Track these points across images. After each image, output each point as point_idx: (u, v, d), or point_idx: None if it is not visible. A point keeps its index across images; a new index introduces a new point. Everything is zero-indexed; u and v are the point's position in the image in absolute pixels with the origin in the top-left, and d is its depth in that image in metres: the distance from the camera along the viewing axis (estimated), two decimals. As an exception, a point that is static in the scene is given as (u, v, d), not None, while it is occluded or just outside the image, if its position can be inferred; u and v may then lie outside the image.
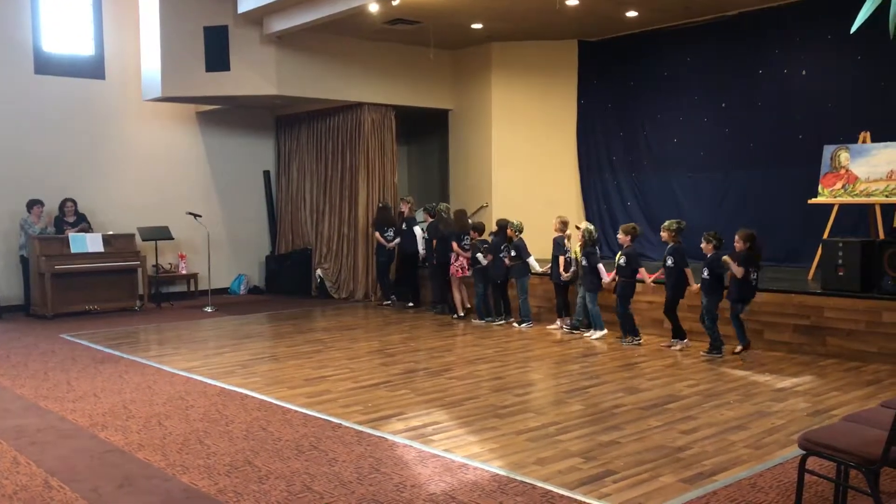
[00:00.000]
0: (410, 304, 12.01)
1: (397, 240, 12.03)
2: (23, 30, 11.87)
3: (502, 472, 4.67)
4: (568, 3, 10.30)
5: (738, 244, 8.04)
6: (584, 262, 9.25)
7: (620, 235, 9.01)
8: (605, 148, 12.88)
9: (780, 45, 10.71)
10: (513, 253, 10.03)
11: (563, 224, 9.79)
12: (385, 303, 12.40)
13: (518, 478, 4.58)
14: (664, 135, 12.13)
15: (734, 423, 5.67)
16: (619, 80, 12.60)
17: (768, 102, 10.86)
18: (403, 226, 12.03)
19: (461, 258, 10.77)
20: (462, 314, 10.90)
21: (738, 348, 8.10)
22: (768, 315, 8.41)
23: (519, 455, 5.00)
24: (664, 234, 8.60)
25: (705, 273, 8.24)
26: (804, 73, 10.52)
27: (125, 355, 8.47)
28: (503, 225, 10.34)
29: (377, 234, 12.19)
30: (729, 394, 6.55)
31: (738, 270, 7.92)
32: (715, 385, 6.86)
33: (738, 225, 11.09)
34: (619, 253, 8.92)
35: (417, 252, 11.85)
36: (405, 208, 12.14)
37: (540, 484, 4.47)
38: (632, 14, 11.16)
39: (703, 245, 8.36)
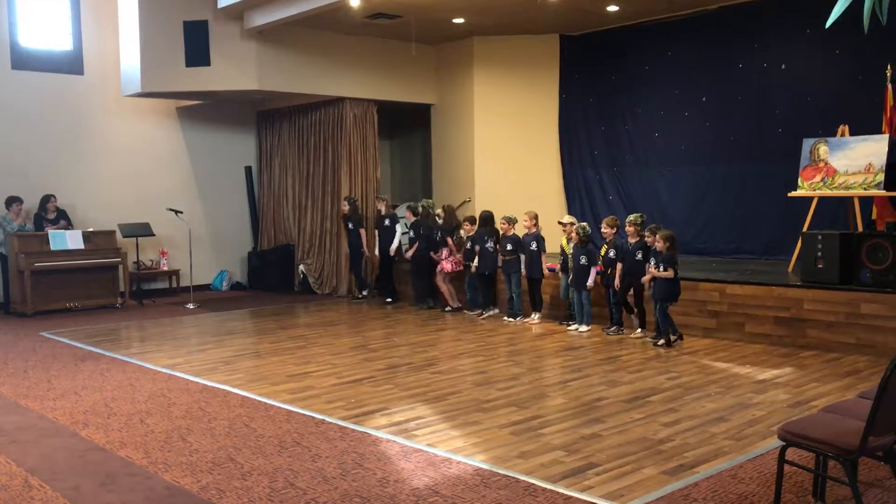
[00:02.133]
0: (388, 300, 11.97)
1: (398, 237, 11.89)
2: (-1, 25, 11.74)
3: (485, 466, 4.69)
4: (549, -3, 10.32)
5: (660, 244, 8.17)
6: (583, 261, 9.20)
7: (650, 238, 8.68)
8: (587, 142, 12.92)
9: (760, 40, 10.78)
10: (508, 247, 10.03)
11: (535, 219, 9.88)
12: (360, 296, 12.41)
13: (501, 471, 4.59)
14: (645, 129, 12.18)
15: (715, 415, 5.71)
16: (600, 74, 12.64)
17: (748, 96, 10.93)
18: (387, 222, 11.98)
19: (453, 254, 10.89)
20: (456, 305, 10.98)
21: (673, 338, 8.36)
22: (749, 307, 8.48)
23: (502, 449, 5.01)
24: (630, 229, 8.77)
25: (660, 267, 8.28)
26: (783, 66, 10.59)
27: (106, 353, 8.41)
28: (487, 217, 10.40)
29: (362, 229, 12.20)
30: (710, 386, 6.60)
31: (666, 274, 8.15)
32: (696, 377, 6.91)
33: (719, 218, 11.30)
34: (633, 249, 8.83)
35: (395, 248, 11.88)
36: (382, 206, 12.15)
37: (523, 477, 4.49)
38: (613, 8, 11.18)
39: (647, 237, 8.48)
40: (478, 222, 10.56)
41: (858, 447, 3.50)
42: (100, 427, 5.65)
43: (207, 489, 4.40)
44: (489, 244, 10.24)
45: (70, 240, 11.46)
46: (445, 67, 13.56)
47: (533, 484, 4.39)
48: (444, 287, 11.05)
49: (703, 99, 11.45)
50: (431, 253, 11.09)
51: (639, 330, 8.85)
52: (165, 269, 13.16)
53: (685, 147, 11.72)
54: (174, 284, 13.28)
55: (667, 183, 11.96)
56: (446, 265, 10.93)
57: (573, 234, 9.29)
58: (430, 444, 5.14)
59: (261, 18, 11.09)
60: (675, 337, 8.39)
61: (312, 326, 10.10)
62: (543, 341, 8.81)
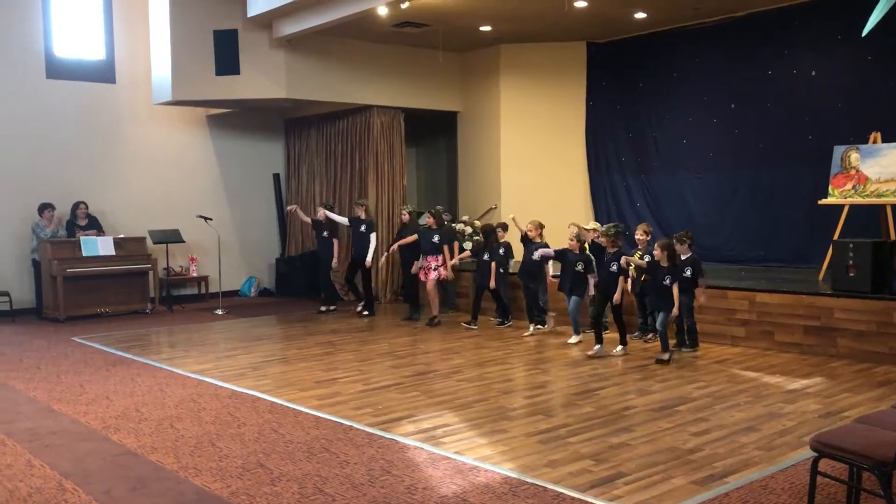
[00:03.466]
0: (366, 313, 11.43)
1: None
2: (34, 35, 11.94)
3: (513, 475, 4.68)
4: (576, 5, 10.32)
5: (660, 256, 7.97)
6: (579, 268, 8.82)
7: (680, 246, 8.45)
8: (613, 149, 12.88)
9: (790, 46, 10.69)
10: (535, 256, 9.93)
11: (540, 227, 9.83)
12: (326, 310, 11.83)
13: (529, 480, 4.59)
14: (673, 135, 12.12)
15: (745, 425, 5.66)
16: (627, 81, 12.60)
17: (777, 103, 10.83)
18: (362, 228, 11.41)
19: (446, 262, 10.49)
20: (437, 315, 10.56)
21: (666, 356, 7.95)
22: (778, 316, 8.40)
23: (530, 457, 5.01)
24: (603, 241, 8.44)
25: (688, 272, 8.23)
26: (814, 73, 10.49)
27: (137, 358, 8.52)
28: (488, 231, 10.32)
29: (336, 239, 11.77)
30: (739, 395, 6.54)
31: (675, 294, 7.90)
32: (725, 387, 6.85)
33: (747, 225, 11.20)
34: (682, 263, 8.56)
35: (370, 259, 11.36)
36: (360, 212, 11.53)
37: (551, 486, 4.48)
38: (640, 15, 11.15)
39: (677, 246, 8.32)
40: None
41: (894, 459, 3.46)
42: (131, 432, 5.72)
43: (237, 494, 4.44)
44: (486, 256, 10.13)
45: (101, 246, 11.62)
46: (472, 75, 13.59)
47: (562, 493, 4.38)
48: (435, 295, 10.60)
49: (732, 105, 11.37)
50: (425, 259, 10.53)
51: (619, 347, 8.39)
52: (195, 275, 13.29)
53: (713, 154, 11.65)
54: (203, 290, 13.40)
55: (694, 190, 11.88)
56: (441, 272, 10.47)
57: (570, 241, 8.92)
58: (457, 451, 5.15)
59: (289, 27, 11.20)
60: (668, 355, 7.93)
61: (339, 333, 10.14)
62: (570, 350, 8.78)
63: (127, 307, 11.86)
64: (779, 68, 10.82)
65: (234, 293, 13.91)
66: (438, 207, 11.05)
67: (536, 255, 9.16)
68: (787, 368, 7.58)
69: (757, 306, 8.58)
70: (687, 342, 8.49)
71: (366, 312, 11.45)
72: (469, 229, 12.70)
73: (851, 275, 8.00)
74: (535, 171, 12.99)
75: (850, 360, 7.79)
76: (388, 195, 13.07)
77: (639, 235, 9.04)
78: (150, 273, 12.07)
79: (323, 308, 11.87)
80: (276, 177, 14.58)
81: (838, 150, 9.25)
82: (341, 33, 11.83)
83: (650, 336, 8.99)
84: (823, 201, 9.30)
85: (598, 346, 8.32)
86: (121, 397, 6.76)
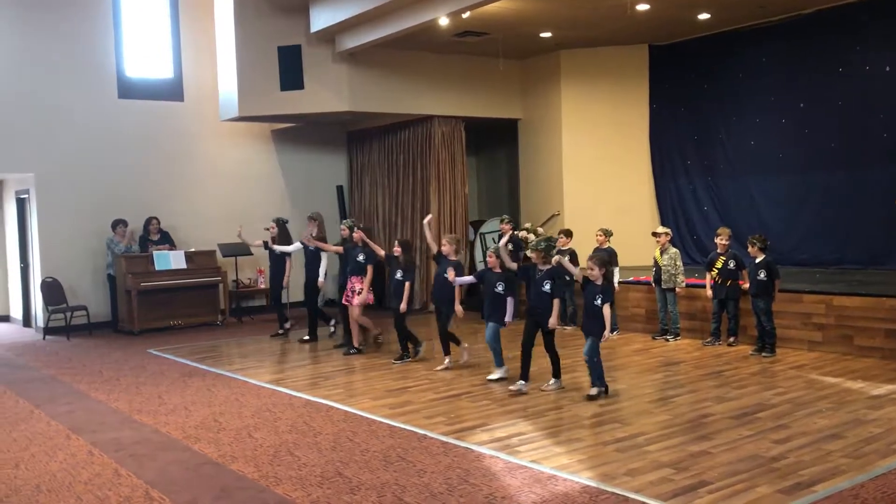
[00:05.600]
0: (307, 338, 10.34)
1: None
2: (107, 57, 12.35)
3: (592, 484, 4.63)
4: (638, 8, 10.21)
5: (594, 272, 6.73)
6: (546, 287, 7.04)
7: (752, 248, 8.38)
8: (678, 152, 12.70)
9: (861, 42, 10.39)
10: (451, 280, 9.40)
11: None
12: (280, 332, 10.95)
13: (609, 489, 4.53)
14: (740, 137, 11.88)
15: (829, 432, 5.50)
16: (692, 83, 12.42)
17: (849, 101, 10.54)
18: (313, 246, 10.12)
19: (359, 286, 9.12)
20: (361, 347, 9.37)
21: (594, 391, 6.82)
22: (858, 320, 8.15)
23: (608, 466, 4.95)
24: (533, 255, 7.12)
25: (762, 275, 8.11)
26: (888, 69, 10.17)
27: (211, 369, 8.69)
28: (406, 246, 8.82)
29: (289, 258, 10.65)
30: (820, 402, 6.36)
31: (607, 315, 6.72)
32: (805, 393, 6.67)
33: (820, 227, 10.89)
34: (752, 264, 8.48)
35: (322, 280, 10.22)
36: (313, 228, 10.25)
37: (632, 496, 4.41)
38: (704, 16, 10.98)
39: (749, 249, 8.26)
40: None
41: None
42: (211, 441, 5.83)
43: (318, 503, 4.48)
44: (398, 275, 8.62)
45: (173, 260, 11.92)
46: (532, 81, 13.56)
47: (643, 502, 4.32)
48: (357, 325, 9.39)
49: (801, 105, 11.10)
50: (349, 280, 9.23)
51: (552, 381, 7.11)
52: (263, 286, 13.50)
53: (782, 155, 11.38)
54: (271, 302, 13.59)
55: (763, 192, 11.63)
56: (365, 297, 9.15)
57: (489, 258, 7.73)
58: (534, 460, 5.11)
59: (352, 41, 11.35)
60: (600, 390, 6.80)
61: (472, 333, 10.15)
62: (641, 356, 8.67)
63: (198, 319, 12.12)
64: (850, 65, 10.53)
65: (301, 304, 14.05)
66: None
67: (451, 277, 7.88)
68: (870, 374, 7.34)
69: (835, 310, 8.33)
70: (766, 347, 8.30)
71: (307, 338, 10.38)
72: (532, 237, 12.64)
73: (935, 276, 7.72)
74: (598, 177, 12.88)
75: (936, 365, 7.52)
76: (449, 205, 13.11)
77: (724, 240, 8.90)
78: (220, 285, 12.33)
79: (280, 331, 10.98)
80: (340, 189, 14.75)
81: (917, 148, 8.96)
82: (402, 45, 11.93)
83: (732, 339, 8.82)
84: (902, 201, 9.03)
85: (521, 382, 7.06)
86: (199, 407, 6.90)
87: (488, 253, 7.84)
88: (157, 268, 11.74)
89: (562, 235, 10.58)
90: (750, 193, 11.77)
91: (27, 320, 12.72)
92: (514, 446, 5.44)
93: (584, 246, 10.53)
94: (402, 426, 6.04)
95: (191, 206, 13.06)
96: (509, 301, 7.54)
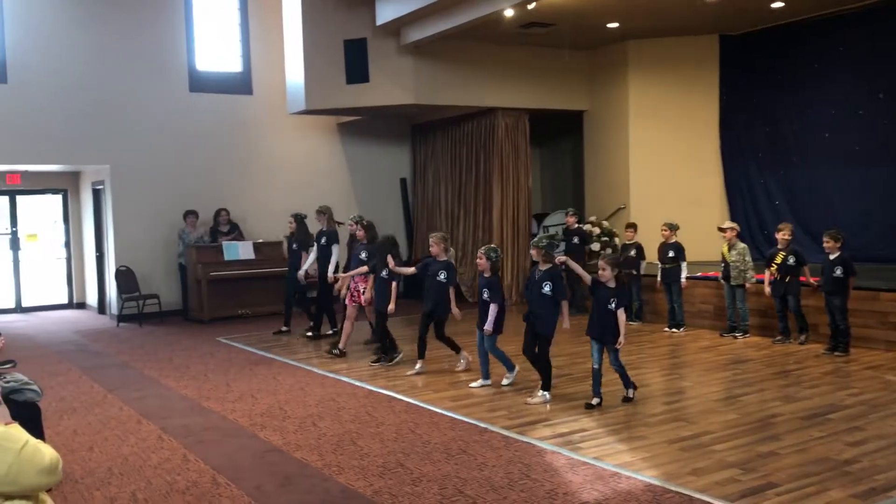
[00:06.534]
0: (310, 334, 10.17)
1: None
2: (178, 51, 12.65)
3: (656, 482, 4.56)
4: (709, -3, 9.98)
5: (606, 273, 6.27)
6: (485, 296, 7.05)
7: (829, 243, 8.03)
8: (749, 144, 12.37)
9: (946, 29, 9.96)
10: (670, 254, 9.74)
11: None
12: (300, 331, 10.51)
13: (673, 488, 4.45)
14: (814, 129, 11.51)
15: (907, 436, 5.30)
16: (764, 73, 12.07)
17: (932, 91, 10.12)
18: (323, 241, 10.00)
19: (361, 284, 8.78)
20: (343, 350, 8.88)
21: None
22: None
23: (673, 465, 4.86)
24: (534, 253, 6.66)
25: (838, 272, 7.87)
26: (974, 57, 9.73)
27: (277, 358, 8.85)
28: (389, 243, 8.41)
29: (305, 253, 10.30)
30: (898, 404, 6.14)
31: (622, 321, 6.29)
32: (881, 394, 6.44)
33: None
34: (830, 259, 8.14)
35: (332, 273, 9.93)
36: (323, 222, 10.05)
37: (697, 495, 4.33)
38: (778, 5, 10.66)
39: (825, 244, 7.99)
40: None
41: None
42: (276, 429, 5.94)
43: (380, 493, 4.52)
44: (384, 273, 8.26)
45: (242, 250, 12.17)
46: (598, 73, 13.38)
47: (709, 502, 4.23)
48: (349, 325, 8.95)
49: (880, 95, 10.70)
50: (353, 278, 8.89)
51: (540, 393, 6.54)
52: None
53: (859, 147, 10.99)
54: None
55: (838, 185, 11.24)
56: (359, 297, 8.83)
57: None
58: (596, 457, 5.06)
59: (417, 33, 11.37)
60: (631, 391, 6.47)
61: (469, 334, 10.16)
62: (709, 353, 8.49)
63: (265, 309, 12.32)
64: (933, 53, 10.10)
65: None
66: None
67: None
68: (951, 376, 7.04)
69: (914, 309, 8.02)
70: (839, 346, 8.05)
71: (310, 333, 10.20)
72: (597, 230, 12.51)
73: None
74: (666, 169, 12.64)
75: None
76: (512, 197, 13.04)
77: (784, 235, 8.66)
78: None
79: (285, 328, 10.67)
80: (403, 181, 14.83)
81: None
82: (467, 37, 11.89)
83: (804, 338, 8.57)
84: None
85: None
86: (265, 395, 7.03)
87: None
88: (226, 258, 12.00)
89: (628, 230, 10.46)
90: (824, 187, 11.39)
91: (102, 308, 13.16)
92: (577, 442, 5.39)
93: (650, 240, 10.42)
94: (464, 419, 6.05)
95: (259, 197, 13.29)
96: (492, 307, 7.00)
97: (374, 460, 5.12)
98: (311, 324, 10.32)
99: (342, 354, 8.80)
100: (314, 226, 10.46)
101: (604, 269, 6.26)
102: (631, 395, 6.48)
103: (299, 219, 10.44)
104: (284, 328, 10.67)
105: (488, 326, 7.02)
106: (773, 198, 12.07)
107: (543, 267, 6.56)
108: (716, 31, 12.27)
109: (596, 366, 6.36)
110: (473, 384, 7.22)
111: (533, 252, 6.67)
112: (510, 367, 7.27)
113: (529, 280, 6.72)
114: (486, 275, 7.12)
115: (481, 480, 4.68)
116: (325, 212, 10.11)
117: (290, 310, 10.75)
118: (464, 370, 7.81)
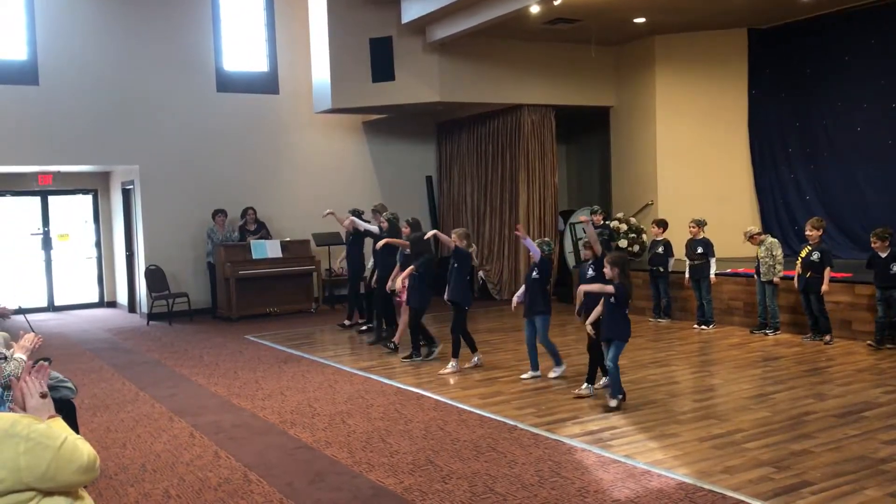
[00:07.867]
0: (348, 323, 10.57)
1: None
2: (206, 51, 12.75)
3: (689, 480, 4.52)
4: (738, -10, 9.88)
5: (611, 273, 6.19)
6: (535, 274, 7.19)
7: (876, 244, 7.99)
8: (779, 139, 12.22)
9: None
10: (699, 250, 9.70)
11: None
12: (347, 324, 10.78)
13: (706, 486, 4.41)
14: (846, 123, 11.34)
15: (944, 435, 5.21)
16: (794, 67, 11.92)
17: (968, 83, 9.92)
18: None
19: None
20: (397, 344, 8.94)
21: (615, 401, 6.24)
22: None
23: (705, 463, 4.82)
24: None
25: (895, 268, 7.80)
26: None
27: (306, 355, 8.90)
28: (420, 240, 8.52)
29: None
30: (934, 402, 6.03)
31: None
32: (917, 392, 6.34)
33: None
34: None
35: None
36: (379, 221, 9.89)
37: (730, 494, 4.29)
38: (807, -3, 10.53)
39: (873, 243, 7.91)
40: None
41: None
42: (306, 426, 5.97)
43: (410, 490, 4.53)
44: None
45: (269, 249, 12.24)
46: (625, 68, 13.29)
47: (742, 500, 4.19)
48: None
49: (914, 88, 10.52)
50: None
51: (584, 386, 6.59)
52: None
53: (892, 141, 10.81)
54: (363, 291, 13.78)
55: (871, 181, 11.06)
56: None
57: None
58: (627, 455, 5.03)
59: (442, 31, 11.37)
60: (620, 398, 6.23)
61: (495, 332, 10.19)
62: (739, 351, 8.41)
63: (293, 307, 12.41)
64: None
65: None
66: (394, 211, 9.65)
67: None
68: None
69: (949, 305, 7.88)
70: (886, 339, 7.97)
71: (363, 328, 10.38)
72: (624, 227, 12.43)
73: None
74: (694, 165, 12.53)
75: None
76: (539, 195, 12.99)
77: (810, 231, 8.56)
78: (314, 274, 12.59)
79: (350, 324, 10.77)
80: (429, 179, 14.83)
81: None
82: (492, 34, 11.87)
83: (828, 338, 8.46)
84: None
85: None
86: (294, 393, 7.07)
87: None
88: (254, 256, 12.09)
89: (655, 226, 10.39)
90: (856, 182, 11.22)
91: (132, 306, 13.32)
92: (607, 440, 5.36)
93: (678, 237, 10.34)
94: (493, 416, 6.04)
95: (286, 196, 13.37)
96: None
97: (403, 457, 5.13)
98: (364, 320, 10.49)
99: (396, 349, 8.85)
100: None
101: (605, 268, 6.24)
102: (615, 405, 6.13)
103: (393, 220, 9.55)
104: (365, 325, 10.50)
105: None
106: (803, 193, 11.91)
107: (587, 256, 6.83)
108: (744, 25, 12.13)
109: (610, 364, 6.22)
110: (524, 375, 7.33)
111: (587, 253, 6.85)
112: (558, 362, 7.34)
113: (581, 279, 6.78)
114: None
115: (511, 478, 4.67)
116: (380, 211, 9.96)
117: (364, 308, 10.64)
118: (473, 367, 7.87)
